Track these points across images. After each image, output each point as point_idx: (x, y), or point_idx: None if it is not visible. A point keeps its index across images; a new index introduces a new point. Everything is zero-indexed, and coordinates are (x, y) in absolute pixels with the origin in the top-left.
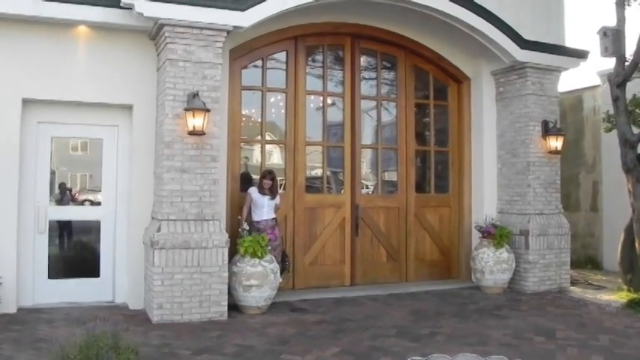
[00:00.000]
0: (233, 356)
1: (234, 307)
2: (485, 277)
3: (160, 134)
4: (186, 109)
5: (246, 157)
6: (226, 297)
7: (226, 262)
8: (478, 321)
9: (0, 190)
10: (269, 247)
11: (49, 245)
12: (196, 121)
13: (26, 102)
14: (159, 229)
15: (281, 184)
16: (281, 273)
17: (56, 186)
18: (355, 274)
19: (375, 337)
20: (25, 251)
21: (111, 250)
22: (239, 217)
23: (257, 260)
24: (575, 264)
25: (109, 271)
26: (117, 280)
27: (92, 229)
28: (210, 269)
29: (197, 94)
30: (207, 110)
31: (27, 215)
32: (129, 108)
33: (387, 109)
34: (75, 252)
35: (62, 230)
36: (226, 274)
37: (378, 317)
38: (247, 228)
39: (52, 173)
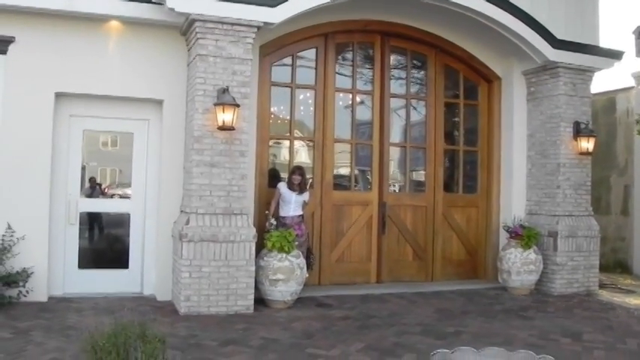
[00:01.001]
0: (259, 348)
1: (260, 301)
2: (512, 278)
3: (189, 129)
4: (216, 104)
5: (274, 155)
6: (253, 291)
7: (253, 256)
8: (504, 321)
9: (32, 182)
10: (295, 243)
11: (79, 237)
12: (226, 116)
13: (59, 95)
14: (187, 222)
15: (309, 181)
16: (306, 269)
17: (86, 180)
18: (381, 272)
19: (400, 334)
20: (57, 242)
21: (140, 242)
22: (266, 212)
23: (284, 255)
24: (605, 268)
25: (137, 262)
26: (145, 272)
27: (122, 221)
28: (237, 263)
29: (227, 90)
30: (237, 105)
31: (58, 207)
32: (159, 103)
33: (416, 108)
34: (105, 244)
35: (93, 222)
36: (253, 268)
37: (403, 315)
38: (275, 223)
39: (83, 168)
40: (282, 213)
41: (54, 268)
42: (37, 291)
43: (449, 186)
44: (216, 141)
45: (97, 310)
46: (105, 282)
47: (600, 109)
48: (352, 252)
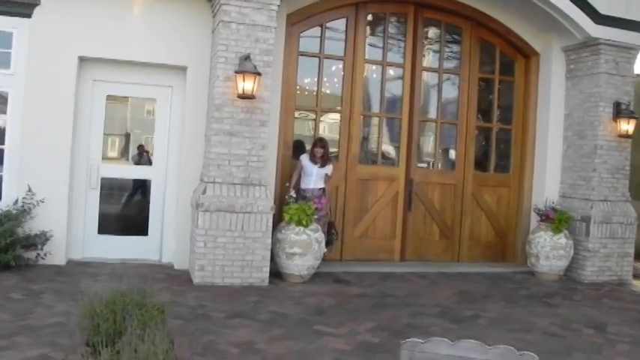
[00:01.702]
0: (266, 322)
1: (276, 274)
2: (540, 263)
3: (211, 97)
4: (237, 72)
5: (301, 126)
6: (268, 263)
7: (270, 228)
8: (526, 307)
9: (54, 145)
10: (315, 217)
11: (100, 202)
12: (246, 85)
13: (82, 60)
14: (204, 192)
15: (335, 155)
16: (327, 244)
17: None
18: (405, 250)
19: (415, 314)
20: (77, 206)
21: (160, 209)
22: (287, 184)
23: (302, 228)
24: None
25: (157, 230)
26: (165, 240)
27: (143, 187)
28: (253, 234)
29: (249, 57)
30: (258, 74)
31: (79, 171)
32: (183, 69)
33: (449, 83)
34: (125, 210)
35: (114, 188)
36: (270, 241)
37: (423, 295)
38: (294, 195)
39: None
40: (303, 185)
41: (73, 233)
42: (55, 254)
43: (480, 165)
44: (236, 109)
45: (111, 276)
46: (124, 248)
47: None
48: (376, 228)
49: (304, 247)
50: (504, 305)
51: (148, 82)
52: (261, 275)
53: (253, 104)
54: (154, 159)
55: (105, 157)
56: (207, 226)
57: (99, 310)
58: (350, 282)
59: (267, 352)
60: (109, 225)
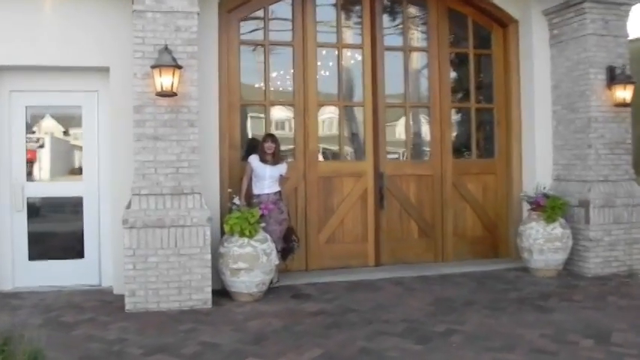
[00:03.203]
0: (189, 358)
1: (224, 293)
2: (534, 258)
3: (131, 98)
4: (153, 67)
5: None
6: (210, 282)
7: (208, 242)
8: (514, 315)
9: None
10: (262, 225)
11: (28, 224)
12: (164, 80)
13: None
14: (129, 206)
15: (290, 153)
16: (288, 254)
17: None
18: (380, 254)
19: (375, 335)
20: (3, 231)
21: (95, 228)
22: (229, 189)
23: (245, 240)
24: None
25: (94, 251)
26: (103, 262)
27: (75, 206)
28: (189, 251)
29: (166, 49)
30: (178, 67)
31: (2, 193)
32: (107, 70)
33: (416, 62)
34: (57, 231)
35: (42, 208)
36: (209, 257)
37: (391, 307)
38: (238, 203)
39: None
40: (255, 190)
41: (1, 261)
42: None
43: (459, 151)
44: (159, 110)
45: (36, 308)
46: (59, 274)
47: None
48: (345, 231)
49: (250, 261)
50: (487, 314)
51: (71, 87)
52: (202, 297)
53: (178, 102)
54: (84, 173)
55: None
56: (134, 245)
57: None
58: (310, 296)
59: None
60: (40, 250)
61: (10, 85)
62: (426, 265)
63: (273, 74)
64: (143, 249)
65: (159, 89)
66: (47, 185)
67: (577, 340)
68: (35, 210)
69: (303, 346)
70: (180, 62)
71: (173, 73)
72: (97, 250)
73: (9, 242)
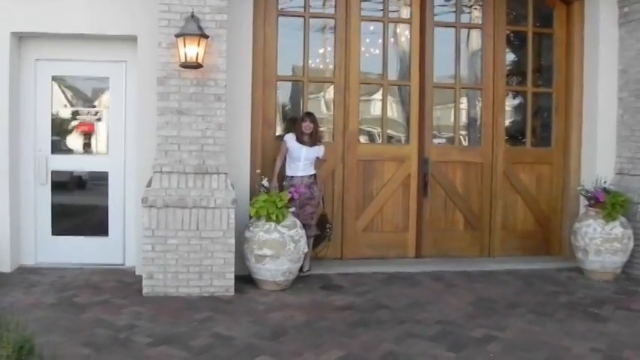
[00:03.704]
0: (197, 352)
1: (249, 279)
2: (590, 259)
3: (156, 69)
4: (177, 36)
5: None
6: (232, 269)
7: (232, 226)
8: (562, 322)
9: None
10: (291, 210)
11: (52, 199)
12: (189, 50)
13: (21, 37)
14: (149, 184)
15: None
16: (320, 242)
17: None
18: (422, 245)
19: (404, 337)
20: (26, 205)
21: (120, 205)
22: (257, 170)
23: (272, 225)
24: None
25: (118, 229)
26: (127, 241)
27: (101, 181)
28: (211, 234)
29: (193, 17)
30: (204, 36)
31: (25, 165)
32: (134, 40)
33: (469, 40)
34: (82, 207)
35: (67, 182)
36: (232, 241)
37: (427, 305)
38: (267, 184)
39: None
40: (289, 172)
41: (23, 235)
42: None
43: (513, 137)
44: (184, 83)
45: (51, 286)
46: (83, 251)
47: None
48: (384, 219)
49: (276, 248)
50: (532, 319)
51: (99, 57)
52: (224, 283)
53: (205, 75)
54: (109, 147)
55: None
56: (154, 226)
57: None
58: (342, 288)
59: None
60: (64, 225)
61: (35, 54)
62: (470, 260)
63: (316, 49)
64: (163, 230)
65: (183, 60)
66: (72, 158)
67: (634, 357)
68: (60, 184)
69: (323, 345)
70: (208, 32)
71: (199, 43)
72: (121, 229)
73: (32, 216)
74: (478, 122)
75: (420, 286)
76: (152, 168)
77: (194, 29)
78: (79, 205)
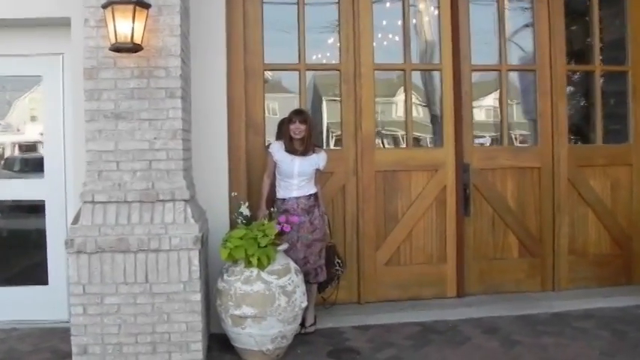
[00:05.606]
0: None
1: (229, 347)
2: None
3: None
4: (104, 6)
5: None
6: (199, 337)
7: (197, 275)
8: None
9: None
10: (284, 247)
11: None
12: (120, 26)
13: None
14: (76, 220)
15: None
16: (329, 282)
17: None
18: (464, 279)
19: None
20: None
21: (62, 244)
22: (233, 193)
23: (254, 271)
24: None
25: (60, 277)
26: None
27: (37, 211)
28: (166, 288)
29: None
30: (143, 5)
31: None
32: (69, 24)
33: (517, 10)
34: (13, 247)
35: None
36: (198, 297)
37: None
38: (246, 213)
39: None
40: (280, 193)
41: None
42: None
43: (579, 132)
44: (122, 74)
45: None
46: (18, 305)
47: None
48: (414, 248)
49: (260, 305)
50: None
51: (28, 50)
52: (188, 357)
53: (151, 62)
54: (45, 170)
55: None
56: (84, 280)
57: None
58: (359, 351)
59: None
60: None
61: None
62: (530, 298)
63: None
64: (97, 285)
65: (113, 40)
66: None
67: None
68: None
69: None
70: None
71: (134, 16)
72: (64, 275)
73: None
74: (532, 114)
75: (467, 345)
76: (80, 197)
77: None
78: (9, 245)
